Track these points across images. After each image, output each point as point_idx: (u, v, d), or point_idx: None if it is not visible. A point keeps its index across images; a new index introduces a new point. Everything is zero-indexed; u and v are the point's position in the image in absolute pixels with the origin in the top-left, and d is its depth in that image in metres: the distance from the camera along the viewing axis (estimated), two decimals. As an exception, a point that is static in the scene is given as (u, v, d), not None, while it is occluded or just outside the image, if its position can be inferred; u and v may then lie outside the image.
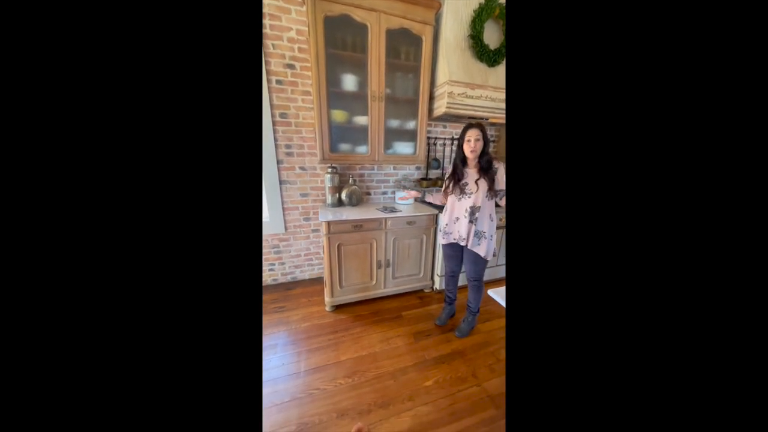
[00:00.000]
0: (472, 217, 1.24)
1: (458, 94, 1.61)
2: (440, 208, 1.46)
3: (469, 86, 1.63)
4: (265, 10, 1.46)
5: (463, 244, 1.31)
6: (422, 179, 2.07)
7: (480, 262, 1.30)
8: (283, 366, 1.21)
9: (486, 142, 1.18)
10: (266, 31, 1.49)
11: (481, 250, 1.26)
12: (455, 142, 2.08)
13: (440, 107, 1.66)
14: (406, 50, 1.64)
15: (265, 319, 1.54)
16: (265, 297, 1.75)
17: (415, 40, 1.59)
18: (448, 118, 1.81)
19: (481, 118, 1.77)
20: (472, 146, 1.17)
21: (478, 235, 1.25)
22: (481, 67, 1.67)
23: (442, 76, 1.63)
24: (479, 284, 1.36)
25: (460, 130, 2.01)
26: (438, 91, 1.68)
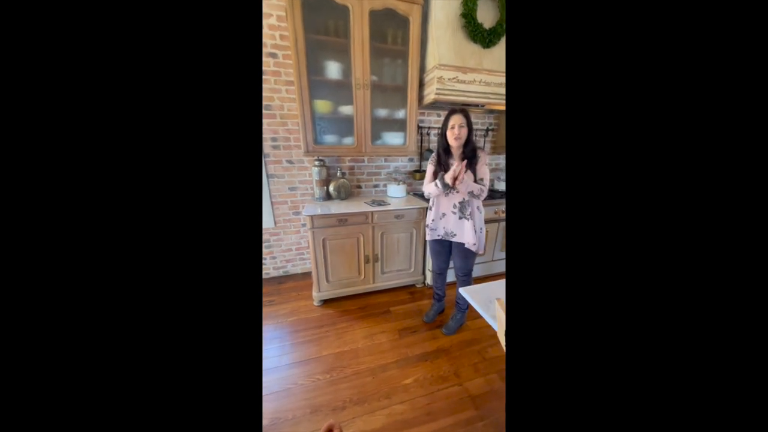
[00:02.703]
0: (463, 213, 1.18)
1: (449, 79, 1.51)
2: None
3: (460, 70, 1.52)
4: (243, -5, 1.40)
5: (454, 240, 1.25)
6: (415, 171, 1.99)
7: (471, 256, 1.25)
8: (265, 360, 1.22)
9: (471, 129, 1.10)
10: (245, 18, 1.43)
11: (475, 246, 1.19)
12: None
13: (430, 94, 1.57)
14: (393, 33, 1.55)
15: (253, 313, 1.56)
16: (255, 290, 1.77)
17: (402, 22, 1.49)
18: (442, 105, 1.71)
19: (476, 105, 1.66)
20: (456, 133, 1.08)
21: (476, 229, 1.18)
22: (475, 48, 1.55)
23: (431, 60, 1.52)
24: (468, 279, 1.30)
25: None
26: (428, 77, 1.58)
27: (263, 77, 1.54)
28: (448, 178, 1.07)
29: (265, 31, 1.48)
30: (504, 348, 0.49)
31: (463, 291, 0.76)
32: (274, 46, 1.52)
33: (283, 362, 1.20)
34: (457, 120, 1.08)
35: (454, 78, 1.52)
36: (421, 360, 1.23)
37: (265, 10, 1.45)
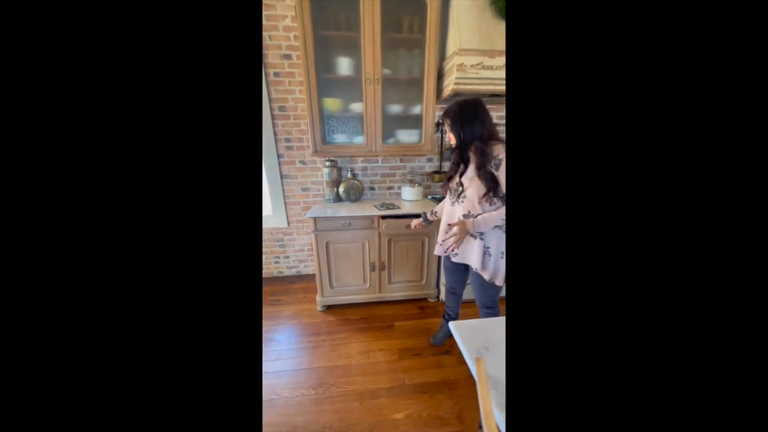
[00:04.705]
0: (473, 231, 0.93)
1: (471, 66, 1.30)
2: None
3: (486, 54, 1.30)
4: (260, 0, 1.43)
5: (456, 260, 1.02)
6: (434, 173, 1.80)
7: (488, 287, 0.97)
8: (258, 362, 1.20)
9: (459, 132, 0.87)
10: (263, 23, 1.47)
11: (485, 273, 0.94)
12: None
13: (449, 85, 1.38)
14: (409, 20, 1.41)
15: (260, 311, 1.58)
16: (266, 288, 1.81)
17: (419, 6, 1.34)
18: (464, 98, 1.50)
19: (504, 95, 1.41)
20: (447, 139, 0.92)
21: (487, 252, 0.93)
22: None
23: (452, 45, 1.34)
24: (493, 312, 1.03)
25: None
26: (447, 66, 1.40)
27: (278, 79, 1.56)
28: (441, 243, 1.05)
29: (281, 33, 1.50)
30: (483, 428, 0.33)
31: (453, 325, 0.59)
32: (289, 47, 1.52)
33: (274, 368, 1.17)
34: (445, 122, 0.91)
35: (478, 64, 1.31)
36: (419, 391, 1.05)
37: (279, 12, 1.46)
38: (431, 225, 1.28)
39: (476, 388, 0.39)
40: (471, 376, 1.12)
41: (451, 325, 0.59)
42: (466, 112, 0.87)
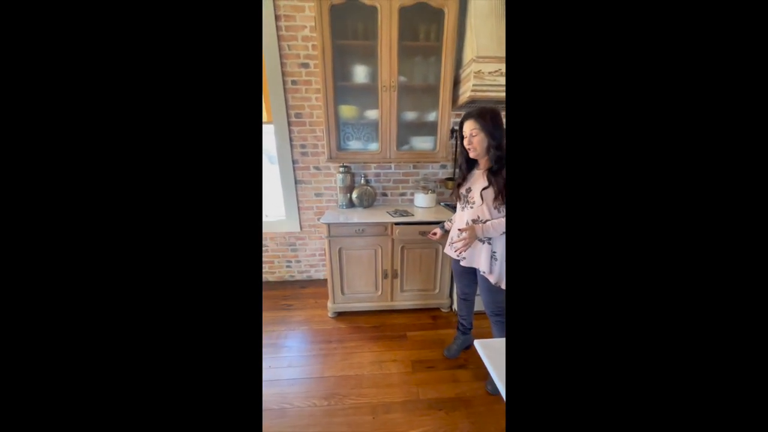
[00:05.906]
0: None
1: (489, 73, 1.29)
2: None
3: (504, 61, 1.28)
4: (280, 12, 1.48)
5: (464, 264, 1.02)
6: (448, 179, 1.78)
7: (495, 292, 0.97)
8: (270, 370, 1.19)
9: (492, 134, 0.86)
10: (281, 33, 1.51)
11: (492, 277, 0.94)
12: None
13: (465, 92, 1.37)
14: (426, 28, 1.41)
15: (271, 315, 1.57)
16: (278, 292, 1.82)
17: (436, 15, 1.35)
18: (481, 105, 1.48)
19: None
20: (468, 143, 0.90)
21: (494, 257, 0.93)
22: (525, 34, 1.29)
23: (469, 53, 1.33)
24: (502, 320, 1.01)
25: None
26: (464, 73, 1.39)
27: (295, 87, 1.60)
28: (451, 244, 1.02)
29: (299, 43, 1.53)
30: None
31: (479, 344, 0.56)
32: (307, 56, 1.56)
33: (285, 375, 1.15)
34: (468, 127, 0.89)
35: (496, 71, 1.29)
36: (434, 407, 1.01)
37: (299, 23, 1.50)
38: (448, 234, 1.27)
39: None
40: (488, 394, 1.07)
41: (477, 344, 0.56)
42: (492, 117, 0.87)
